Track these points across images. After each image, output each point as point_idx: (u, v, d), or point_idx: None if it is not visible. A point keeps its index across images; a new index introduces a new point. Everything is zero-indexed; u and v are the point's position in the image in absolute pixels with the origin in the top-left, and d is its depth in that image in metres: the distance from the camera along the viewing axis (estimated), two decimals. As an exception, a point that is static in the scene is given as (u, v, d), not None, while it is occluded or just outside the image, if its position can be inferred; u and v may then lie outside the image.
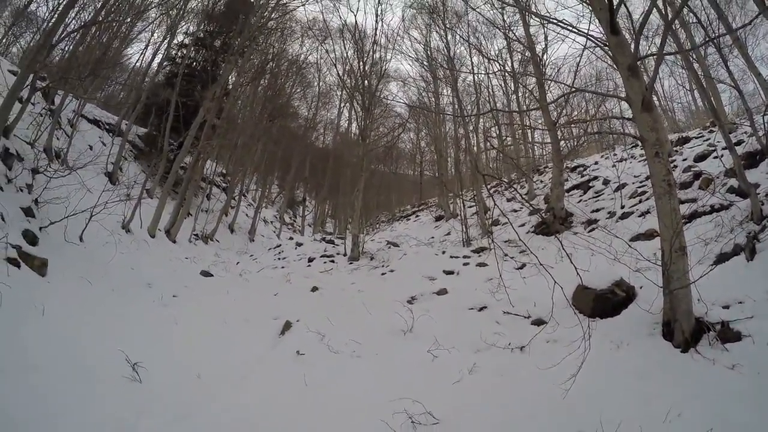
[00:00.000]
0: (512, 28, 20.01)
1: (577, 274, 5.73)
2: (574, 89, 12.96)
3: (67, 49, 20.02)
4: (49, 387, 5.11)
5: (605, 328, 6.81)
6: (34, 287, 7.71)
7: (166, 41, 27.07)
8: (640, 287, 7.50)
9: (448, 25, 22.28)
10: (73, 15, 16.95)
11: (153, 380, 5.87)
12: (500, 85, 27.58)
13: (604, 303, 7.45)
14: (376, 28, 21.59)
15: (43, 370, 5.33)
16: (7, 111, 10.19)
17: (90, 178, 14.96)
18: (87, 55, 19.38)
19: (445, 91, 26.95)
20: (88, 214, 11.72)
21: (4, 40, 31.22)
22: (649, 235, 10.65)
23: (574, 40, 27.11)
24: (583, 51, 12.48)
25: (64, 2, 13.40)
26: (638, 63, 6.75)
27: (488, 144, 24.91)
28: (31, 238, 9.11)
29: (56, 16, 12.20)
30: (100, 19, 17.71)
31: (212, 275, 14.30)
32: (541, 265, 6.07)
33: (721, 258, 7.72)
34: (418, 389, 5.70)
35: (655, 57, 8.28)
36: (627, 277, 7.65)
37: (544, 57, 18.39)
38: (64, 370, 5.49)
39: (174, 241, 18.14)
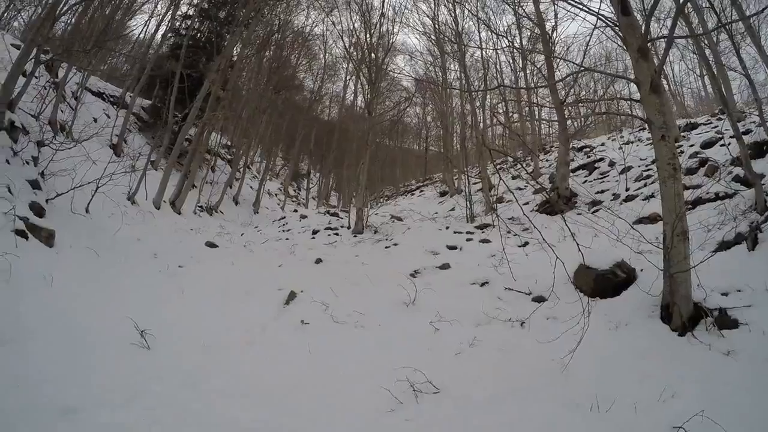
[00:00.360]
0: (522, 4, 19.81)
1: (579, 251, 5.81)
2: (583, 68, 12.88)
3: (69, 21, 20.01)
4: (59, 353, 5.20)
5: (605, 308, 6.89)
6: (41, 258, 7.86)
7: (169, 12, 27.00)
8: (641, 270, 7.53)
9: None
10: None
11: (161, 347, 5.99)
12: (508, 61, 27.37)
13: (605, 283, 7.49)
14: (383, 0, 21.27)
15: (52, 338, 5.46)
16: (12, 84, 10.25)
17: (95, 151, 15.05)
18: (90, 27, 19.38)
19: (452, 66, 26.82)
20: (93, 185, 11.91)
21: (5, 15, 31.15)
22: (652, 219, 10.67)
23: (584, 18, 26.72)
24: (593, 30, 12.36)
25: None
26: (648, 45, 6.76)
27: (495, 120, 24.76)
28: (38, 210, 9.24)
29: None
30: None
31: (217, 246, 14.45)
32: (544, 241, 6.16)
33: (723, 245, 7.79)
34: (419, 360, 5.75)
35: (665, 40, 8.29)
36: (628, 259, 7.69)
37: (554, 35, 18.26)
38: (73, 338, 5.62)
39: (179, 213, 18.36)
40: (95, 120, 20.44)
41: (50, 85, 15.63)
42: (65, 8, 13.05)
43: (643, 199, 12.50)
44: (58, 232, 8.85)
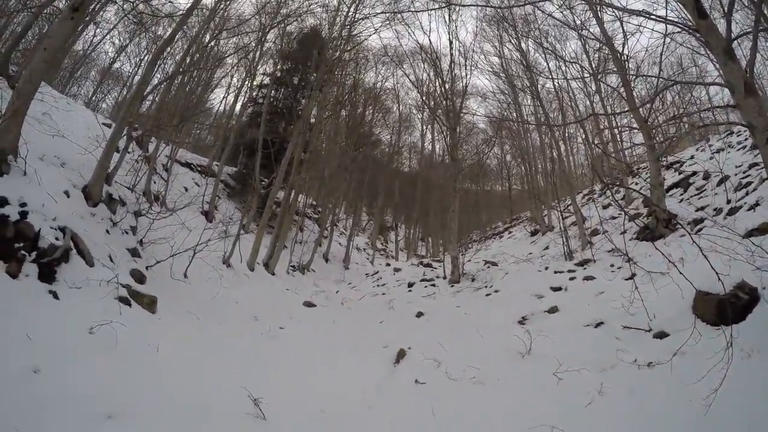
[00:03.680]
0: (586, 26, 19.41)
1: (719, 279, 5.54)
2: (672, 81, 12.49)
3: (154, 99, 21.28)
4: (173, 427, 5.03)
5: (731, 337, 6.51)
6: (145, 324, 7.92)
7: (246, 84, 28.35)
8: (764, 288, 6.98)
9: (520, 33, 22.12)
10: (157, 67, 18.12)
11: (277, 416, 5.70)
12: (581, 87, 26.89)
13: (728, 308, 7.08)
14: (451, 47, 21.40)
15: (163, 409, 5.27)
16: (108, 160, 10.74)
17: (190, 219, 15.70)
18: (174, 103, 20.52)
19: (524, 100, 26.66)
20: (190, 252, 12.30)
21: (94, 98, 33.71)
22: (763, 230, 9.77)
23: (652, 29, 25.85)
24: (664, 38, 11.94)
25: (149, 59, 14.33)
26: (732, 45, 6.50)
27: (595, 147, 24.09)
28: (139, 277, 9.48)
29: (141, 70, 13.02)
30: (182, 70, 18.76)
31: (315, 305, 14.55)
32: (680, 273, 5.91)
33: None
34: (549, 414, 5.49)
35: (744, 36, 8.02)
36: (747, 278, 7.27)
37: (624, 51, 17.78)
38: (185, 409, 5.40)
39: (273, 274, 18.70)
40: (186, 189, 21.58)
41: (142, 158, 16.55)
42: (151, 88, 13.98)
43: (748, 209, 11.59)
44: (159, 298, 8.98)
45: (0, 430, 4.00)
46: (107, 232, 10.06)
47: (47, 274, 7.35)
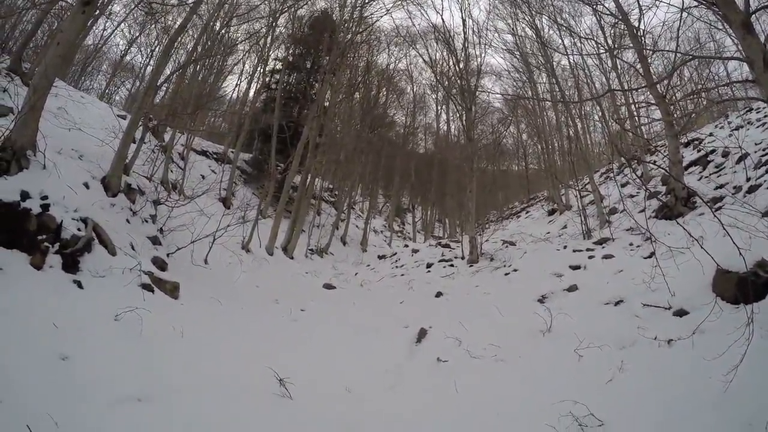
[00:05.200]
0: (601, 1, 19.04)
1: (741, 255, 5.41)
2: (690, 56, 12.25)
3: (168, 89, 21.41)
4: (202, 408, 5.08)
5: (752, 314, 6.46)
6: (169, 310, 8.02)
7: (259, 70, 28.38)
8: None
9: (533, 10, 21.87)
10: (169, 57, 18.30)
11: (303, 396, 5.77)
12: (596, 64, 26.51)
13: (748, 286, 7.01)
14: (464, 25, 21.13)
15: (192, 392, 5.35)
16: (125, 150, 10.85)
17: (209, 206, 15.90)
18: (188, 91, 20.63)
19: (539, 78, 26.41)
20: (210, 238, 12.45)
21: (107, 90, 34.02)
22: None
23: (669, 3, 25.63)
24: (681, 13, 11.69)
25: (161, 49, 14.43)
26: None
27: (613, 124, 23.84)
28: (161, 264, 9.65)
29: (152, 61, 13.16)
30: (194, 58, 18.86)
31: (334, 287, 14.68)
32: (702, 248, 5.86)
33: None
34: (571, 391, 5.45)
35: (763, 9, 7.88)
36: (767, 256, 7.19)
37: (640, 26, 17.47)
38: (213, 391, 5.49)
39: (291, 257, 18.87)
40: (203, 177, 21.74)
41: (158, 148, 16.70)
42: (164, 78, 14.10)
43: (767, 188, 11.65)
44: (181, 284, 9.13)
45: (32, 416, 4.04)
46: (127, 221, 10.18)
47: (71, 264, 7.48)
